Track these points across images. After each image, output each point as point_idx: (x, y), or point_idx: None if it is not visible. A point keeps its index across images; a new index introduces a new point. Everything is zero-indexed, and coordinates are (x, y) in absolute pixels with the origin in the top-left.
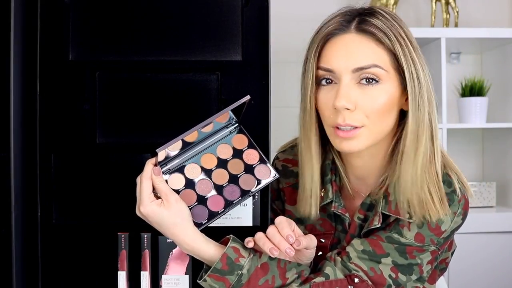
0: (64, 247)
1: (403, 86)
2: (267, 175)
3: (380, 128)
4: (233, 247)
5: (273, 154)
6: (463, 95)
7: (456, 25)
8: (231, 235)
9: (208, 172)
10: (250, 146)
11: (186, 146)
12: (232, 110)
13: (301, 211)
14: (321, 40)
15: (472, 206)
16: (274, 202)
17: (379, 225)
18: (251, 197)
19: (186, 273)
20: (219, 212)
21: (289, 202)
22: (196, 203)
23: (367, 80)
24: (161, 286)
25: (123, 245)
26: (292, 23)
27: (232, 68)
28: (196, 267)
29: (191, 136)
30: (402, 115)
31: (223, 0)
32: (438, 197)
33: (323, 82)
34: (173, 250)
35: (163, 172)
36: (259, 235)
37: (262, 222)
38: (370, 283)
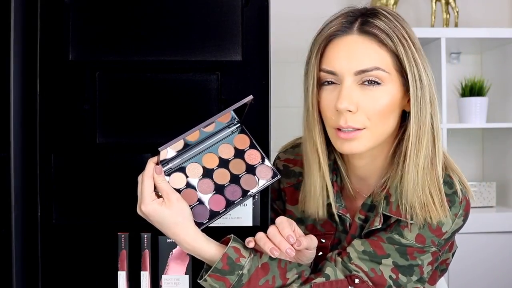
0: (64, 247)
1: (406, 87)
2: (268, 175)
3: (382, 130)
4: (233, 247)
5: (273, 154)
6: (463, 95)
7: (456, 25)
8: (232, 235)
9: (209, 172)
10: (251, 146)
11: (188, 145)
12: (234, 110)
13: (309, 212)
14: (323, 41)
15: (472, 206)
16: (275, 202)
17: (380, 226)
18: (252, 197)
19: (186, 273)
20: (220, 212)
21: (290, 202)
22: (197, 202)
23: (369, 82)
24: (161, 286)
25: (123, 245)
26: (292, 23)
27: (232, 68)
28: (196, 267)
29: (192, 135)
30: (404, 117)
31: (223, 0)
32: (439, 199)
33: (325, 83)
34: (173, 250)
35: (164, 171)
36: (260, 235)
37: (262, 222)
38: (370, 283)
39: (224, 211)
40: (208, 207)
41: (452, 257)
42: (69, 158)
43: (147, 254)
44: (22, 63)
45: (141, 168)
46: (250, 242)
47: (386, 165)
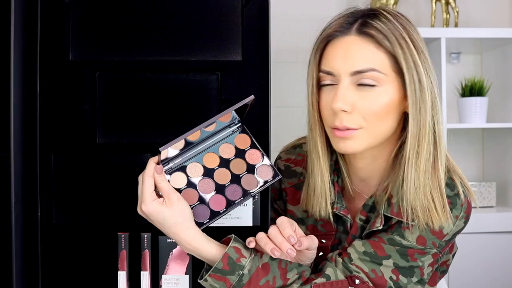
0: (64, 247)
1: (405, 89)
2: (269, 175)
3: (379, 131)
4: (234, 247)
5: (273, 154)
6: (463, 95)
7: (456, 25)
8: (233, 235)
9: (210, 172)
10: (252, 146)
11: (188, 145)
12: (235, 110)
13: (311, 211)
14: (322, 42)
15: (472, 206)
16: (276, 202)
17: (381, 227)
18: (252, 197)
19: (186, 273)
20: (221, 211)
21: (291, 202)
22: (198, 202)
23: (365, 85)
24: (161, 286)
25: (123, 245)
26: (292, 23)
27: (232, 68)
28: (196, 267)
29: (193, 135)
30: (407, 118)
31: (223, 0)
32: (441, 204)
33: (324, 83)
34: (173, 250)
35: (165, 171)
36: (261, 235)
37: (262, 222)
38: (371, 284)
39: (225, 211)
40: (208, 207)
41: (453, 258)
42: (69, 158)
43: (147, 254)
44: (22, 63)
45: (141, 168)
46: (251, 242)
47: (388, 167)
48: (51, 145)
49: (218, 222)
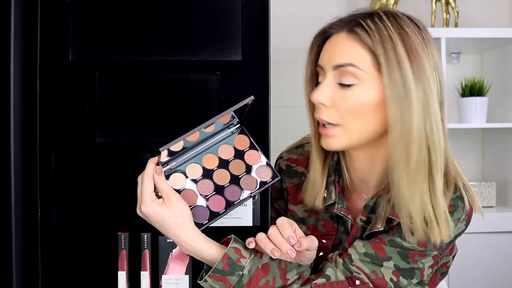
0: (64, 247)
1: None
2: (268, 176)
3: (357, 130)
4: (234, 248)
5: (273, 154)
6: (463, 95)
7: (456, 25)
8: (232, 235)
9: (209, 172)
10: (251, 147)
11: (188, 146)
12: (235, 111)
13: (308, 203)
14: (317, 37)
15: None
16: (277, 202)
17: (382, 229)
18: (251, 197)
19: (186, 273)
20: (220, 212)
21: (292, 202)
22: (197, 203)
23: (344, 85)
24: (161, 286)
25: (123, 245)
26: (292, 23)
27: (232, 68)
28: (196, 267)
29: (193, 136)
30: None
31: (223, 0)
32: (441, 216)
33: (320, 79)
34: (173, 250)
35: (164, 172)
36: (261, 235)
37: (262, 222)
38: (371, 285)
39: (224, 211)
40: (208, 208)
41: (453, 259)
42: (69, 158)
43: (147, 254)
44: (22, 63)
45: (141, 168)
46: (250, 243)
47: (386, 169)
48: (51, 145)
49: (218, 222)
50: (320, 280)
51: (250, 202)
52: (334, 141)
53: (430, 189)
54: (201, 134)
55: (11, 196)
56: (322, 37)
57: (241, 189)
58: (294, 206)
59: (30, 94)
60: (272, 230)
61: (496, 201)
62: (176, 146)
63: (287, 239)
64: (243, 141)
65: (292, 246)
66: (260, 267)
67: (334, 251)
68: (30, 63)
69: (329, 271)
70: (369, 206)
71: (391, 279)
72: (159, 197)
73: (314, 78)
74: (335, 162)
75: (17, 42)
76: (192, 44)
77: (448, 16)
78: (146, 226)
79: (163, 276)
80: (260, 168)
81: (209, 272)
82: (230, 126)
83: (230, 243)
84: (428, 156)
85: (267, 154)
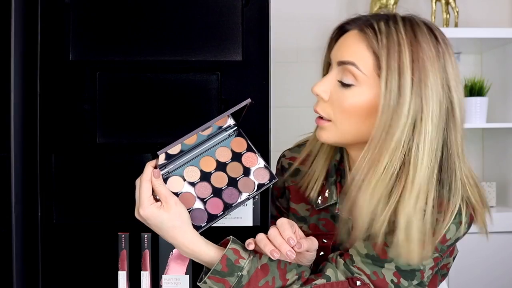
0: (64, 247)
1: None
2: (266, 178)
3: (347, 129)
4: (233, 249)
5: (273, 154)
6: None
7: (456, 25)
8: (231, 236)
9: (207, 175)
10: (249, 149)
11: (185, 149)
12: (232, 113)
13: (303, 190)
14: (334, 31)
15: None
16: (278, 200)
17: (383, 230)
18: (249, 200)
19: (186, 273)
20: (218, 215)
21: (294, 200)
22: (195, 206)
23: (344, 84)
24: (161, 286)
25: (123, 245)
26: (292, 23)
27: (232, 68)
28: (196, 267)
29: (190, 139)
30: None
31: (223, 0)
32: (420, 238)
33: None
34: (173, 250)
35: (162, 175)
36: (260, 236)
37: (262, 222)
38: (372, 286)
39: (222, 214)
40: (206, 210)
41: (453, 261)
42: (69, 158)
43: (147, 254)
44: (22, 63)
45: (141, 168)
46: (250, 244)
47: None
48: (51, 145)
49: (219, 222)
50: (320, 281)
51: (250, 202)
52: (325, 134)
53: (387, 202)
54: (198, 137)
55: (11, 196)
56: (340, 31)
57: (239, 191)
58: (295, 205)
59: (30, 94)
60: (272, 231)
61: (496, 201)
62: (174, 149)
63: (287, 240)
64: (240, 144)
65: (292, 247)
66: (259, 267)
67: (335, 251)
68: (30, 63)
69: (329, 271)
70: None
71: (391, 280)
72: (157, 200)
73: (326, 70)
74: (337, 162)
75: (17, 42)
76: (192, 44)
77: (448, 16)
78: (146, 226)
79: (163, 276)
80: (258, 170)
81: (208, 274)
82: (227, 129)
83: (229, 244)
84: (400, 174)
85: (267, 153)
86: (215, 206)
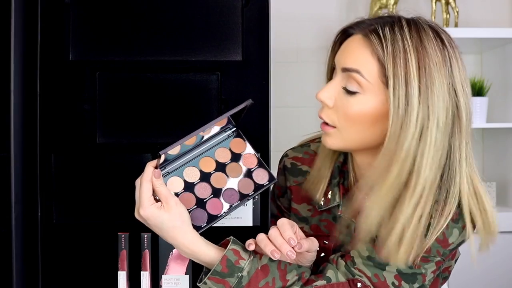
0: (64, 247)
1: None
2: (265, 179)
3: (352, 137)
4: (233, 249)
5: (273, 154)
6: None
7: (456, 25)
8: (231, 237)
9: (206, 176)
10: (248, 150)
11: (185, 149)
12: (231, 114)
13: (306, 190)
14: (339, 34)
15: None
16: (279, 199)
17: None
18: (248, 200)
19: (186, 273)
20: (218, 215)
21: (296, 201)
22: (195, 206)
23: (349, 91)
24: (161, 286)
25: (123, 245)
26: (292, 23)
27: (232, 68)
28: (196, 267)
29: (190, 140)
30: None
31: (223, 0)
32: (392, 239)
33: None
34: (173, 250)
35: (162, 175)
36: (261, 236)
37: (262, 222)
38: None
39: (222, 214)
40: (206, 211)
41: (455, 264)
42: (69, 158)
43: (147, 254)
44: (22, 63)
45: (141, 168)
46: (250, 245)
47: None
48: (51, 145)
49: (219, 222)
50: (320, 282)
51: (250, 202)
52: (330, 140)
53: (394, 207)
54: (198, 137)
55: (11, 196)
56: (344, 35)
57: (239, 191)
58: (297, 205)
59: (30, 94)
60: (272, 231)
61: (496, 201)
62: (174, 150)
63: (288, 241)
64: (239, 144)
65: (293, 247)
66: (259, 268)
67: (336, 252)
68: (30, 63)
69: (330, 272)
70: None
71: (392, 283)
72: (157, 200)
73: (331, 74)
74: (340, 163)
75: (17, 42)
76: (192, 44)
77: (448, 16)
78: (146, 226)
79: (163, 276)
80: (257, 171)
81: (208, 274)
82: (226, 130)
83: (229, 245)
84: (407, 179)
85: (267, 153)
86: (215, 206)
